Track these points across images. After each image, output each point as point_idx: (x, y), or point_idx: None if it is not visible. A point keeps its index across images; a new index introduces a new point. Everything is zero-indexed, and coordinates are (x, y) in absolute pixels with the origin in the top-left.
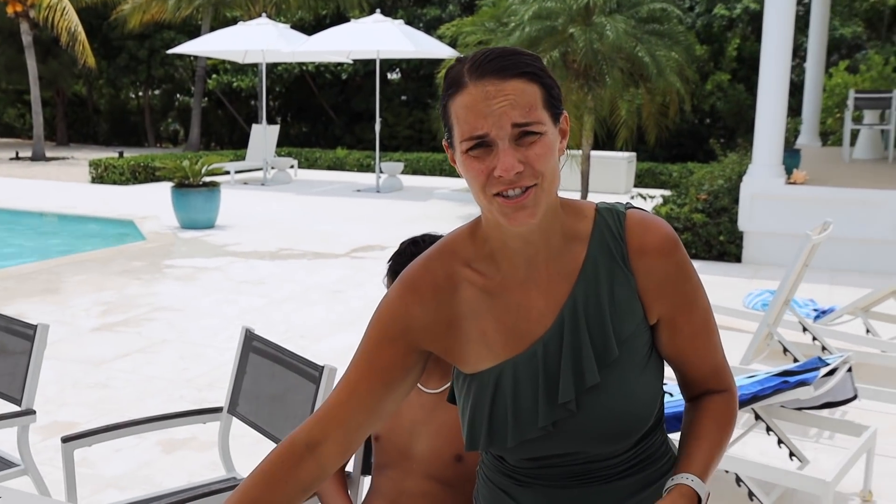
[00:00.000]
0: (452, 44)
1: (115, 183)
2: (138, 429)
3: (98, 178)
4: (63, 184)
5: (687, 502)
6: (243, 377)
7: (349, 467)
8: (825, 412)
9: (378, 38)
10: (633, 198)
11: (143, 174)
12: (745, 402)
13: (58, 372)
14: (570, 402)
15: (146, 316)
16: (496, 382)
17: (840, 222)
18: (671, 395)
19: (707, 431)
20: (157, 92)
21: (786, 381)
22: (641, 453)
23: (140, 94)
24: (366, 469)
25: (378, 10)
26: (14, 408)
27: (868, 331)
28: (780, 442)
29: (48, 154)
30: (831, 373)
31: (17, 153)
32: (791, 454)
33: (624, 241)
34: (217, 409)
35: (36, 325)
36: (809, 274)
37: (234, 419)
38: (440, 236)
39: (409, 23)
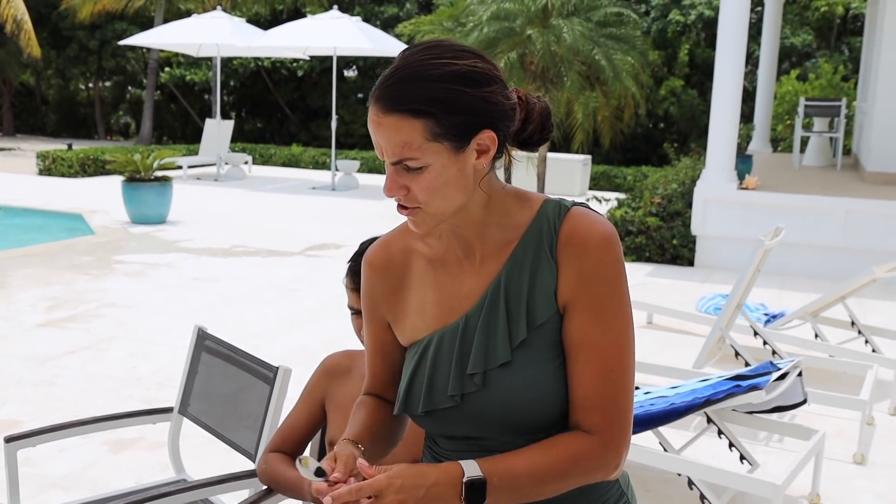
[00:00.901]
0: (410, 42)
1: (63, 175)
2: (86, 428)
3: (46, 171)
4: (9, 175)
5: (443, 472)
6: (195, 377)
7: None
8: (775, 416)
9: (335, 35)
10: (588, 200)
11: (93, 167)
12: (698, 406)
13: (2, 368)
14: (478, 375)
15: (94, 312)
16: (423, 352)
17: (790, 228)
18: (648, 392)
19: (534, 453)
20: (108, 84)
21: (738, 385)
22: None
23: (90, 85)
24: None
25: (335, 7)
26: None
27: (817, 335)
28: (731, 445)
29: None
30: (782, 377)
31: None
32: (742, 457)
33: (557, 232)
34: (167, 410)
35: None
36: (760, 279)
37: (185, 420)
38: None
39: (366, 20)
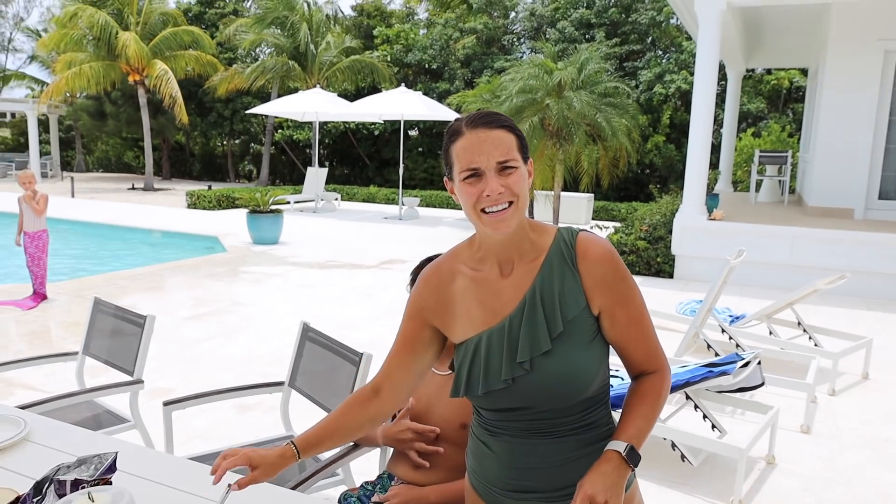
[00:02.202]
0: (458, 110)
1: (204, 209)
2: (220, 396)
3: (192, 205)
4: (166, 208)
5: (610, 464)
6: (301, 359)
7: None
8: (739, 395)
9: (402, 105)
10: (591, 228)
11: (226, 202)
12: (680, 386)
13: (160, 350)
14: (526, 363)
15: (225, 309)
16: (475, 348)
17: (748, 250)
18: (622, 378)
19: (638, 406)
20: (237, 141)
21: (711, 370)
22: (587, 418)
23: (224, 142)
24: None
25: (402, 84)
26: (127, 378)
27: (771, 333)
28: (704, 417)
29: (156, 186)
30: (746, 365)
31: (132, 185)
32: (713, 426)
33: (574, 249)
34: (280, 383)
35: (146, 316)
36: (727, 288)
37: (293, 391)
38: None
39: (425, 94)
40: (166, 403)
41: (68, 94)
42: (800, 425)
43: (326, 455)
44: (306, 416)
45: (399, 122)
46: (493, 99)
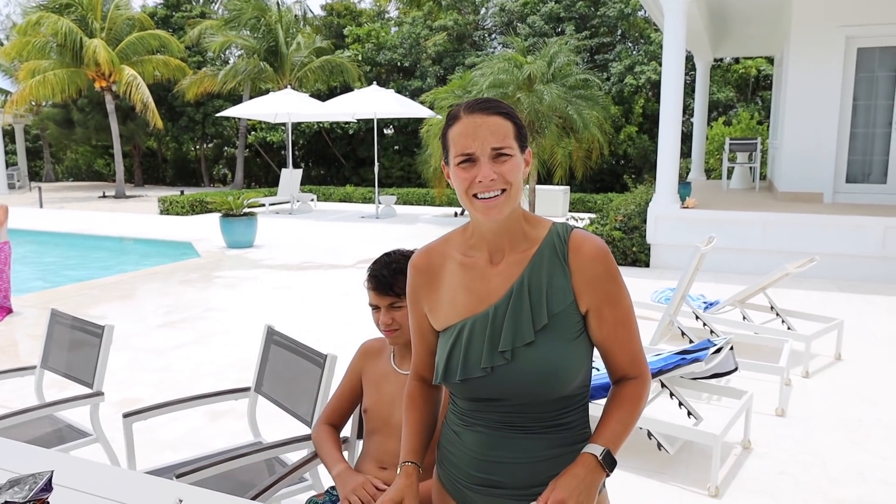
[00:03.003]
0: (431, 107)
1: (177, 214)
2: (183, 405)
3: (165, 211)
4: (138, 215)
5: (585, 467)
6: (266, 363)
7: (346, 433)
8: (714, 381)
9: (375, 103)
10: (567, 219)
11: (199, 207)
12: (654, 374)
13: (130, 359)
14: (507, 352)
15: (199, 315)
16: (457, 334)
17: (721, 236)
18: (598, 369)
19: (616, 411)
20: (210, 145)
21: (684, 357)
22: (562, 418)
23: (197, 146)
24: (360, 434)
25: (374, 82)
26: (87, 390)
27: (744, 318)
28: (680, 404)
29: (128, 193)
30: (718, 351)
31: (104, 193)
32: (689, 413)
33: (567, 244)
34: (246, 389)
35: (104, 326)
36: (700, 275)
37: (260, 396)
38: (409, 251)
39: (398, 91)
40: (126, 415)
41: (33, 103)
42: (775, 409)
43: (293, 459)
44: (276, 420)
45: (373, 120)
46: (465, 95)
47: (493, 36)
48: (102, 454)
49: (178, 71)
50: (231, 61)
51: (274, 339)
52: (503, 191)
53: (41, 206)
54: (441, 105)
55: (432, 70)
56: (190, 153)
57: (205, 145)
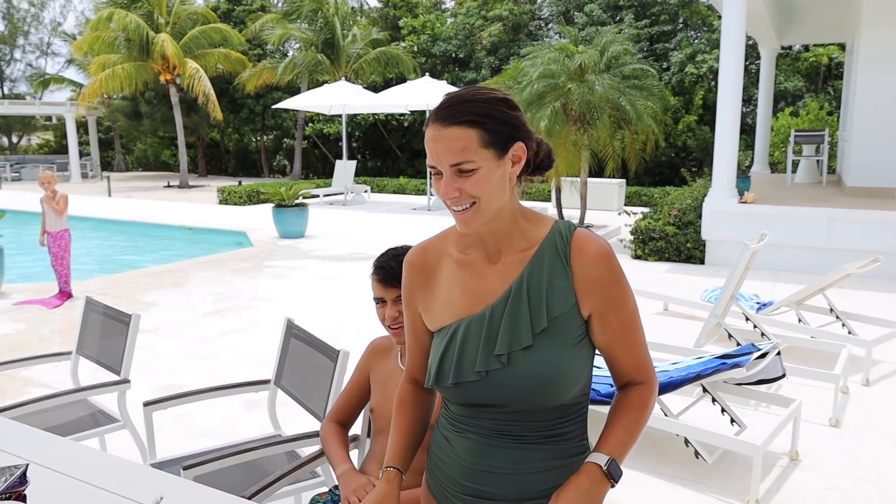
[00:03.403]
0: None
1: (235, 204)
2: (203, 396)
3: (223, 201)
4: (198, 205)
5: (589, 478)
6: (286, 357)
7: (357, 430)
8: (761, 387)
9: (428, 95)
10: (619, 214)
11: (256, 197)
12: (690, 379)
13: (177, 346)
14: (503, 356)
15: (246, 304)
16: (451, 335)
17: (781, 233)
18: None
19: (622, 419)
20: (269, 136)
21: (724, 362)
22: (559, 428)
23: (257, 138)
24: (371, 433)
25: (427, 74)
26: (115, 377)
27: (800, 320)
28: (722, 410)
29: (191, 183)
30: (764, 356)
31: (168, 183)
32: (732, 420)
33: (569, 244)
34: (266, 381)
35: (131, 315)
36: (757, 273)
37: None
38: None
39: (452, 83)
40: (146, 404)
41: (104, 96)
42: (828, 418)
43: (305, 453)
44: (296, 413)
45: (425, 112)
46: (515, 85)
47: (549, 25)
48: (129, 440)
49: (238, 64)
50: (290, 54)
51: (293, 333)
52: (473, 204)
53: (109, 195)
54: None
55: (487, 61)
56: (251, 144)
57: (265, 137)
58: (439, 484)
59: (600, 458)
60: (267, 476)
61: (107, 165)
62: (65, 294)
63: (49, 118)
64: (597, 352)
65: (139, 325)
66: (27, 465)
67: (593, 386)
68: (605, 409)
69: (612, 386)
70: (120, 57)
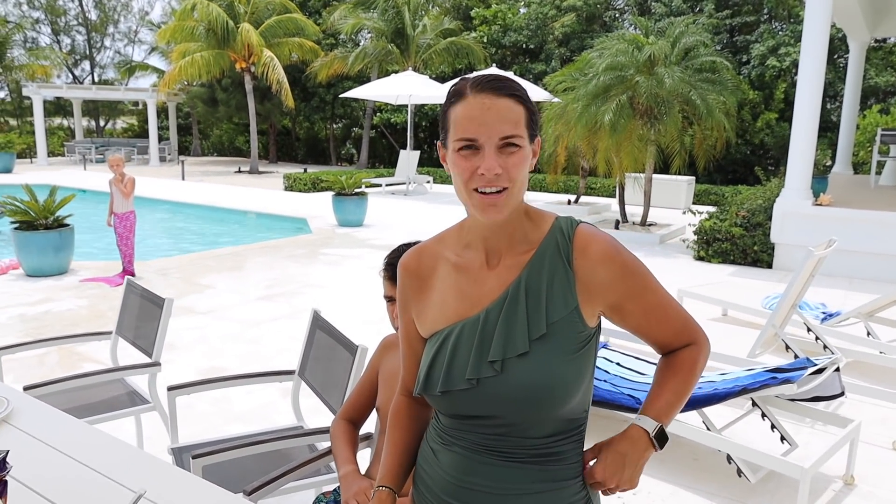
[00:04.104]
0: (552, 90)
1: (300, 191)
2: (227, 384)
3: (289, 187)
4: (265, 191)
5: (633, 444)
6: (311, 348)
7: (371, 428)
8: (819, 405)
9: None
10: (683, 213)
11: (320, 185)
12: (737, 392)
13: (225, 329)
14: (497, 363)
15: (297, 290)
16: (443, 340)
17: (858, 238)
18: (643, 373)
19: (670, 380)
20: (338, 125)
21: (774, 377)
22: (554, 447)
23: (327, 126)
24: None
25: (496, 66)
26: (146, 359)
27: (869, 333)
28: (773, 427)
29: (261, 169)
30: (821, 371)
31: (239, 168)
32: (782, 438)
33: (571, 242)
34: (291, 372)
35: (164, 299)
36: (828, 279)
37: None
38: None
39: (521, 75)
40: (170, 388)
41: (185, 83)
42: (892, 441)
43: (323, 446)
44: (319, 405)
45: None
46: (581, 77)
47: (624, 16)
48: (158, 420)
49: (311, 53)
50: (362, 43)
51: (319, 325)
52: (505, 189)
53: (183, 179)
54: (556, 89)
55: (558, 52)
56: (321, 132)
57: (334, 125)
58: (423, 498)
59: (648, 424)
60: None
61: (184, 150)
62: (127, 273)
63: (136, 103)
64: (640, 358)
65: (171, 309)
66: (7, 452)
67: (632, 393)
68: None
69: None
70: (199, 45)
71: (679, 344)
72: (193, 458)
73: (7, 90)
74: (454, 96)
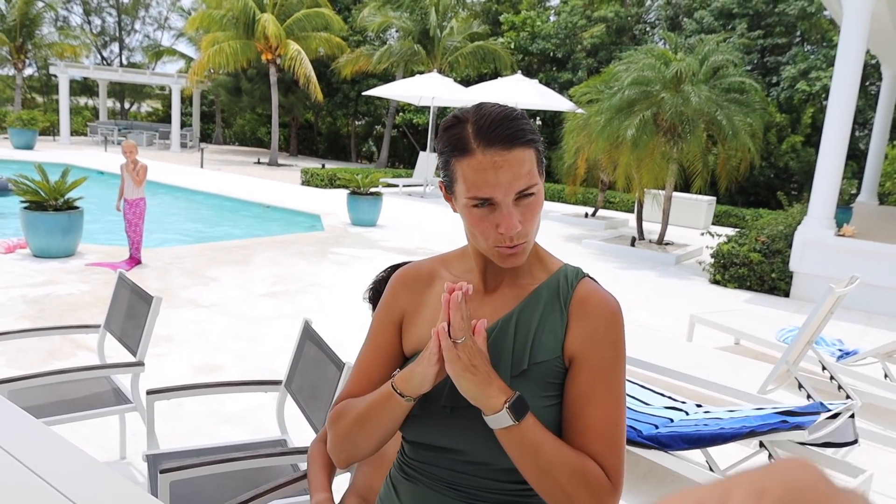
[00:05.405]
0: (569, 98)
1: (316, 186)
2: (209, 390)
3: (306, 182)
4: (282, 184)
5: (501, 384)
6: (300, 360)
7: None
8: (830, 451)
9: (516, 93)
10: (702, 234)
11: (337, 181)
12: (744, 434)
13: (224, 325)
14: None
15: (302, 289)
16: None
17: (881, 272)
18: (686, 413)
19: (564, 446)
20: (360, 122)
21: (785, 420)
22: (522, 495)
23: (349, 123)
24: None
25: (520, 72)
26: (131, 358)
27: (886, 375)
28: None
29: (280, 161)
30: (835, 417)
31: (258, 159)
32: None
33: (572, 289)
34: (278, 382)
35: (153, 297)
36: (847, 314)
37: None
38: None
39: (547, 83)
40: (149, 392)
41: (211, 70)
42: None
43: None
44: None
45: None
46: (605, 90)
47: (655, 30)
48: (139, 421)
49: (338, 49)
50: (389, 42)
51: (309, 336)
52: (525, 241)
53: (202, 166)
54: (580, 100)
55: (586, 62)
56: (343, 128)
57: (356, 122)
58: None
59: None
60: (254, 487)
61: (206, 137)
62: (134, 260)
63: (161, 88)
64: (633, 394)
65: (160, 308)
66: None
67: (635, 424)
68: (642, 452)
69: (656, 427)
70: (227, 34)
71: (599, 457)
72: (161, 472)
73: (35, 67)
74: (456, 148)
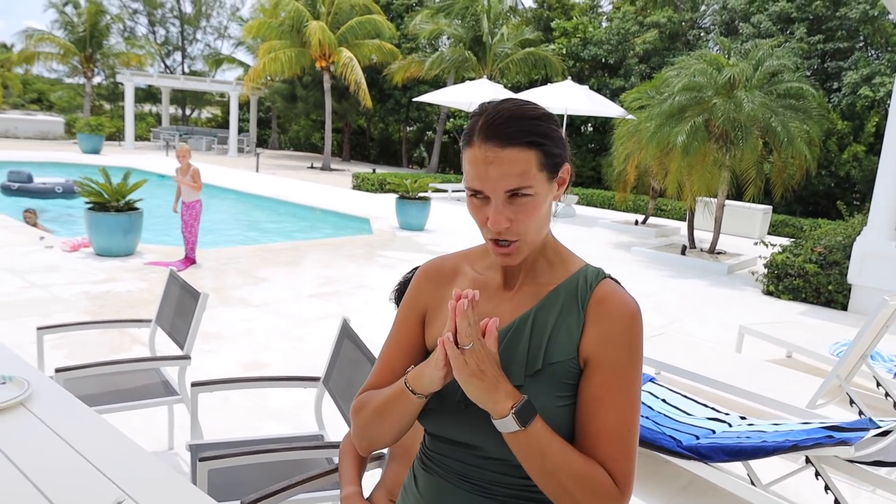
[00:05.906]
0: (621, 104)
1: (367, 191)
2: (250, 384)
3: (357, 187)
4: (334, 188)
5: (510, 388)
6: (338, 357)
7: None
8: (882, 470)
9: (566, 99)
10: (756, 244)
11: (387, 186)
12: (787, 448)
13: (273, 324)
14: None
15: (349, 291)
16: None
17: None
18: (729, 424)
19: (574, 451)
20: (412, 128)
21: (831, 436)
22: (533, 489)
23: (401, 128)
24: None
25: (571, 79)
26: (178, 352)
27: None
28: (826, 488)
29: (333, 166)
30: (885, 434)
31: (312, 164)
32: (837, 502)
33: (591, 290)
34: (316, 379)
35: (200, 293)
36: None
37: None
38: None
39: (598, 89)
40: (194, 384)
41: (268, 78)
42: None
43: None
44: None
45: (567, 116)
46: (656, 96)
47: (710, 36)
48: (184, 412)
49: (390, 55)
50: (440, 49)
51: (347, 334)
52: (515, 241)
53: (257, 171)
54: (631, 106)
55: (638, 68)
56: (395, 134)
57: (408, 128)
58: None
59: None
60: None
61: (263, 142)
62: (189, 260)
63: (221, 95)
64: (664, 399)
65: (206, 304)
66: None
67: (675, 434)
68: (682, 463)
69: (697, 438)
70: (283, 42)
71: (607, 463)
72: (200, 460)
73: (104, 75)
74: (466, 136)
